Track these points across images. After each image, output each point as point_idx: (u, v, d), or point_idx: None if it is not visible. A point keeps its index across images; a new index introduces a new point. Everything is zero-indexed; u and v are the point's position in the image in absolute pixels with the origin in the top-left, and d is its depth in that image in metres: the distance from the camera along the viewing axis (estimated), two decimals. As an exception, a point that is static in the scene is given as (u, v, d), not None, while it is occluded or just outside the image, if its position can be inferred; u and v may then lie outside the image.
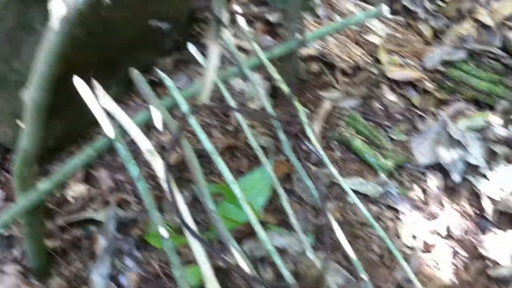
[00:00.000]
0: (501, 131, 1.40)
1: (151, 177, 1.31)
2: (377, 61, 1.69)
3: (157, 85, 1.49)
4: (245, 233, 1.15)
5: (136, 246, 1.20)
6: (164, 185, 1.03)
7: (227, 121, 1.49)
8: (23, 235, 1.10)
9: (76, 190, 1.32)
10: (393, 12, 1.88)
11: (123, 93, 1.54)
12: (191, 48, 1.36)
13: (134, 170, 1.05)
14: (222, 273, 1.12)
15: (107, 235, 1.21)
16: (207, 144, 1.13)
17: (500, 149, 1.37)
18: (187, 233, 0.99)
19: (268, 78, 1.55)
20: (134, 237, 1.22)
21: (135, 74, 1.20)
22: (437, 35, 1.84)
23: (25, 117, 0.91)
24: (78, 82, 1.10)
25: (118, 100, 1.41)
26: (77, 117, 1.38)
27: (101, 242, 1.20)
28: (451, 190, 1.32)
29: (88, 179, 1.35)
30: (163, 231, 0.98)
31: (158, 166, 1.06)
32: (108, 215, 1.24)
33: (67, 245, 1.20)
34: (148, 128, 1.44)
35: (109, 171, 1.36)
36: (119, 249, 1.20)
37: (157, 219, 1.01)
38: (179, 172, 1.33)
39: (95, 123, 1.09)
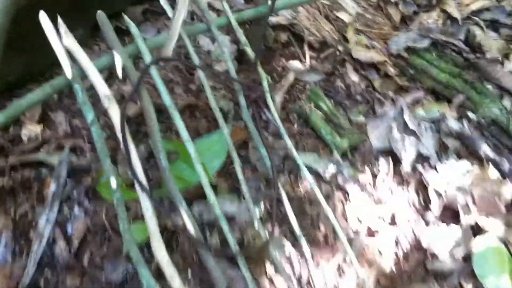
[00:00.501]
0: (455, 125, 1.40)
1: (109, 127, 1.26)
2: (345, 39, 1.67)
3: (124, 33, 1.42)
4: (195, 195, 1.13)
5: (86, 195, 1.16)
6: (119, 134, 0.99)
7: (190, 79, 1.45)
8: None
9: (31, 129, 1.27)
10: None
11: (89, 37, 1.47)
12: (162, -2, 1.30)
13: (89, 113, 1.01)
14: (169, 232, 1.10)
15: (58, 180, 1.16)
16: (167, 98, 1.09)
17: (451, 143, 1.38)
18: (137, 187, 0.96)
19: (236, 41, 1.50)
20: (85, 185, 1.17)
21: (102, 17, 1.14)
22: (405, 20, 1.83)
23: None
24: (43, 18, 1.05)
25: (83, 43, 1.34)
26: (39, 54, 1.31)
27: (52, 187, 1.15)
28: (400, 178, 1.31)
29: (45, 120, 1.29)
30: (113, 182, 0.95)
31: (115, 113, 1.01)
32: (61, 159, 1.19)
33: (17, 185, 1.15)
34: (110, 76, 1.38)
35: (66, 114, 1.31)
36: (69, 196, 1.15)
37: (108, 169, 0.97)
38: (137, 125, 1.29)
39: (57, 63, 1.04)
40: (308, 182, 1.17)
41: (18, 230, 1.09)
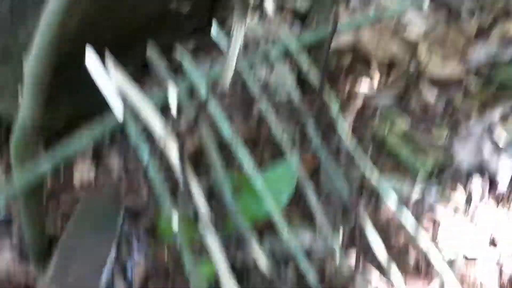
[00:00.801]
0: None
1: (166, 169, 1.30)
2: (415, 57, 1.68)
3: (175, 71, 1.48)
4: (265, 228, 1.13)
5: (145, 237, 1.20)
6: (178, 172, 1.01)
7: (249, 114, 1.48)
8: (21, 219, 1.09)
9: (84, 176, 1.32)
10: (434, 5, 1.86)
11: (139, 76, 1.53)
12: (214, 30, 1.35)
13: (144, 154, 1.04)
14: (239, 271, 1.10)
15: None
16: (227, 131, 1.11)
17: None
18: (202, 226, 0.98)
19: (296, 70, 1.54)
20: (143, 228, 1.20)
21: (153, 53, 1.19)
22: (482, 33, 1.82)
23: (24, 88, 0.90)
24: (89, 57, 1.09)
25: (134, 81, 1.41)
26: (88, 97, 1.37)
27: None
28: (497, 198, 1.28)
29: (97, 165, 1.35)
30: (175, 221, 0.97)
31: (173, 152, 1.04)
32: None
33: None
34: (164, 115, 1.43)
35: (120, 158, 1.35)
36: (127, 240, 1.19)
37: (168, 208, 0.99)
38: (196, 164, 1.32)
39: (107, 104, 1.08)
40: (391, 207, 1.15)
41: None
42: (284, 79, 1.29)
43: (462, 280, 1.13)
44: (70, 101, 1.36)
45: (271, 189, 1.19)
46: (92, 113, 1.42)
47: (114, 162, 1.35)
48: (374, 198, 1.26)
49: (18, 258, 1.17)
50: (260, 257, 0.98)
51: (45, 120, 1.31)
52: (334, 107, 1.26)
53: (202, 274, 1.05)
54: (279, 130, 1.22)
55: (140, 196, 1.27)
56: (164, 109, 1.41)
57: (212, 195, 1.24)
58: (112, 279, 1.12)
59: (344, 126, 1.40)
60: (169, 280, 1.12)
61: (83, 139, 1.07)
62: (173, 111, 1.11)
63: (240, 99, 1.49)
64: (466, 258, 1.17)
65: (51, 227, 1.20)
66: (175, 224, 0.97)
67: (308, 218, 1.20)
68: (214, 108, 1.14)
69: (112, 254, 1.15)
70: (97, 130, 1.08)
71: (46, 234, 1.15)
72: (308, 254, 1.12)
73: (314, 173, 1.31)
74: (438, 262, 1.06)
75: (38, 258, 1.14)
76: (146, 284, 1.11)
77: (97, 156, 1.35)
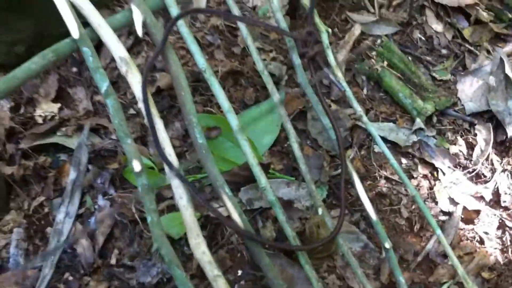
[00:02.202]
0: None
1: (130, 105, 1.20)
2: (422, -20, 1.56)
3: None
4: (243, 178, 1.06)
5: (112, 183, 1.11)
6: (141, 105, 0.91)
7: (233, 42, 1.37)
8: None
9: (46, 109, 1.22)
10: None
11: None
12: None
13: (102, 82, 0.92)
14: (213, 224, 1.03)
15: (78, 166, 1.11)
16: (200, 59, 1.00)
17: None
18: (167, 171, 0.89)
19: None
20: (110, 171, 1.12)
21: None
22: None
23: None
24: None
25: (103, 4, 1.29)
26: (49, 16, 1.26)
27: (70, 174, 1.10)
28: (503, 146, 1.23)
29: (62, 97, 1.25)
30: (137, 165, 0.87)
31: (135, 81, 0.93)
32: (81, 141, 1.14)
33: (30, 173, 1.11)
34: (137, 43, 1.31)
35: (88, 90, 1.25)
36: (91, 185, 1.11)
37: (130, 149, 0.89)
38: (171, 98, 1.22)
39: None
40: (383, 155, 1.09)
41: (32, 227, 1.05)
42: (271, 1, 1.15)
43: (460, 235, 1.09)
44: (30, 22, 1.24)
45: (251, 132, 1.11)
46: (55, 34, 1.31)
47: (81, 95, 1.24)
48: (366, 146, 1.19)
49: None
50: (234, 210, 0.90)
51: (5, 44, 1.22)
52: (324, 35, 1.15)
53: (168, 226, 0.99)
54: (263, 62, 1.12)
55: (107, 135, 1.17)
56: (136, 38, 1.31)
57: (187, 139, 1.16)
58: (74, 227, 1.05)
59: (337, 59, 1.30)
60: (136, 232, 1.04)
61: (33, 64, 0.95)
62: (138, 30, 0.98)
63: (222, 28, 1.36)
64: (466, 211, 1.12)
65: (9, 167, 1.11)
66: (136, 168, 0.87)
67: (291, 166, 1.13)
68: (186, 31, 1.01)
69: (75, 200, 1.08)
70: (49, 55, 0.95)
71: (1, 176, 1.06)
72: (289, 206, 1.04)
73: (300, 114, 1.23)
74: (432, 219, 0.99)
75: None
76: (111, 235, 1.04)
77: (62, 88, 1.24)
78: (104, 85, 0.92)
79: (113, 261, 1.01)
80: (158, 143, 0.91)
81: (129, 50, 1.25)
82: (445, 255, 1.03)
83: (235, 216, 0.89)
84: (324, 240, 0.92)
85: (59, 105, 1.22)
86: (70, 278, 0.99)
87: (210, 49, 1.34)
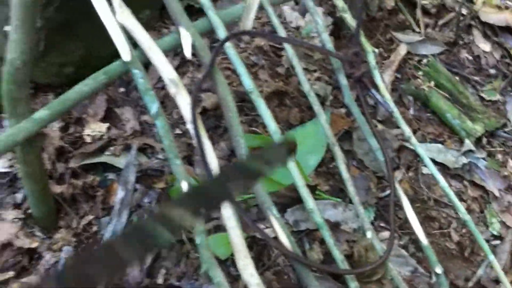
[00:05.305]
0: None
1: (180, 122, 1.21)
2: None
3: (197, 13, 1.36)
4: (289, 199, 1.05)
5: (158, 201, 1.12)
6: (189, 126, 0.91)
7: (277, 62, 1.37)
8: (21, 175, 1.01)
9: (95, 128, 1.23)
10: None
11: (157, 19, 1.42)
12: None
13: (152, 103, 0.93)
14: (259, 246, 1.02)
15: (126, 186, 1.12)
16: (247, 81, 0.99)
17: None
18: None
19: (330, 13, 1.41)
20: (157, 191, 1.13)
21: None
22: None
23: (12, 20, 0.80)
24: None
25: (150, 26, 1.31)
26: (98, 37, 1.28)
27: (118, 193, 1.11)
28: None
29: (110, 117, 1.26)
30: (185, 186, 0.87)
31: (184, 103, 0.94)
32: (129, 161, 1.15)
33: (79, 192, 1.12)
34: (183, 63, 1.33)
35: (135, 109, 1.27)
36: (138, 204, 1.11)
37: (178, 170, 0.89)
38: (217, 119, 1.22)
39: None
40: (432, 178, 1.07)
41: (81, 245, 1.06)
42: (316, 22, 1.15)
43: None
44: (80, 45, 1.26)
45: (297, 152, 1.10)
46: (105, 56, 1.33)
47: (128, 115, 1.25)
48: (414, 168, 1.16)
49: (22, 218, 1.10)
50: (281, 232, 0.89)
51: (55, 65, 1.25)
52: (371, 56, 1.14)
53: (215, 248, 0.98)
54: (309, 83, 1.11)
55: (154, 155, 1.18)
56: (182, 59, 1.32)
57: (233, 156, 1.16)
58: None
59: (382, 78, 1.29)
60: (183, 252, 1.04)
61: (84, 86, 0.96)
62: (187, 53, 0.99)
63: (266, 48, 1.37)
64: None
65: (58, 186, 1.12)
66: (184, 188, 0.87)
67: (337, 187, 1.12)
68: (233, 52, 1.02)
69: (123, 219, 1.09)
70: (101, 77, 0.97)
71: (49, 193, 1.07)
72: (336, 228, 1.03)
73: (346, 134, 1.22)
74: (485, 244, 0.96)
75: (42, 218, 1.07)
76: (159, 255, 1.04)
77: (110, 108, 1.26)
78: (153, 106, 0.93)
79: (160, 280, 1.01)
80: (207, 165, 0.91)
81: (176, 70, 1.26)
82: (497, 281, 1.00)
83: (283, 238, 0.88)
84: (375, 264, 0.90)
85: (107, 124, 1.24)
86: (118, 297, 1.00)
87: (254, 69, 1.34)
